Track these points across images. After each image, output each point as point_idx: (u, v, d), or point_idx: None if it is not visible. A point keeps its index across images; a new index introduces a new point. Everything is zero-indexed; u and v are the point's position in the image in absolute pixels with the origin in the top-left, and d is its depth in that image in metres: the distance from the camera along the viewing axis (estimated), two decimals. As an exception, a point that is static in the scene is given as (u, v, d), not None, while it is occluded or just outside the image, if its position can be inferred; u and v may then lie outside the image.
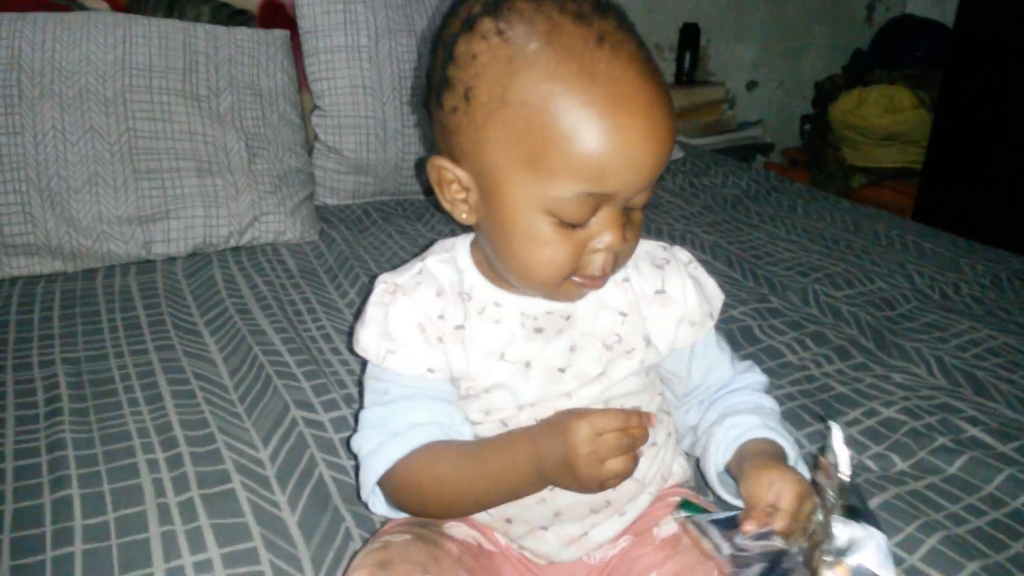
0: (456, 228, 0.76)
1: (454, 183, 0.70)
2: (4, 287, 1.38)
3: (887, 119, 2.74)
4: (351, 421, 1.03)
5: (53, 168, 1.42)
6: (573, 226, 0.66)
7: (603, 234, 0.66)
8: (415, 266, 0.78)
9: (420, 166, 1.77)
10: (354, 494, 0.91)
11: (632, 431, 0.66)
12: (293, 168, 1.64)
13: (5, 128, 1.40)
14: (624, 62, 0.62)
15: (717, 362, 0.85)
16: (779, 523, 0.67)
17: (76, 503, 0.86)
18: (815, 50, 3.16)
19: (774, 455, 0.76)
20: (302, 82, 1.75)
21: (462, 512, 0.76)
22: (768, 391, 0.87)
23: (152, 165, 1.49)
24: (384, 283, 0.77)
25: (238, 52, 1.62)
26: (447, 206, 0.72)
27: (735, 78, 2.99)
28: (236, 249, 1.55)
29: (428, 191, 1.80)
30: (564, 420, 0.67)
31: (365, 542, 0.80)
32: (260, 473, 0.93)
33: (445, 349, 0.75)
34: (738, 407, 0.82)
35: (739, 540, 0.68)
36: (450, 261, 0.78)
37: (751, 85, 3.07)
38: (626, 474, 0.67)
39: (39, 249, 1.42)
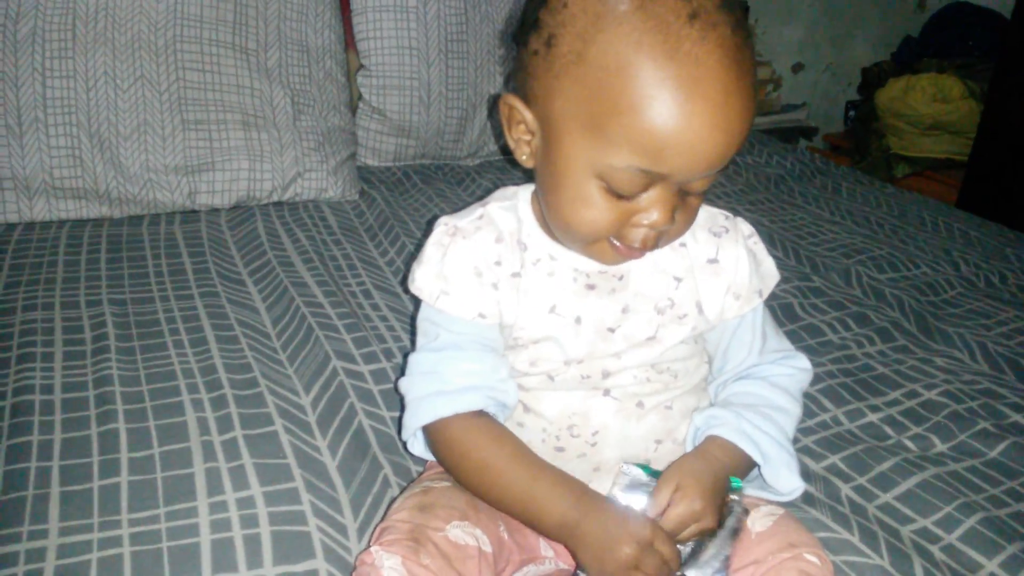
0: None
1: (521, 124, 0.70)
2: (52, 229, 1.40)
3: (934, 108, 2.69)
4: (391, 374, 1.04)
5: (104, 114, 1.44)
6: (622, 196, 0.65)
7: (651, 211, 0.65)
8: (476, 211, 0.78)
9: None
10: (393, 444, 0.92)
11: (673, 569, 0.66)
12: (337, 127, 1.65)
13: (59, 72, 1.42)
14: (711, 45, 0.59)
15: (748, 346, 0.81)
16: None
17: (123, 436, 0.88)
18: (863, 35, 3.10)
19: (709, 461, 0.73)
20: (349, 41, 1.75)
21: (480, 496, 0.75)
22: (803, 382, 0.83)
23: (200, 116, 1.50)
24: (444, 224, 0.78)
25: (287, 7, 1.62)
26: (511, 144, 0.72)
27: (781, 59, 2.95)
28: (279, 204, 1.56)
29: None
30: (631, 515, 0.69)
31: (404, 487, 0.81)
32: (302, 418, 0.94)
33: (499, 296, 0.75)
34: (733, 399, 0.80)
35: None
36: (511, 209, 0.78)
37: (797, 68, 3.02)
38: None
39: (87, 193, 1.44)
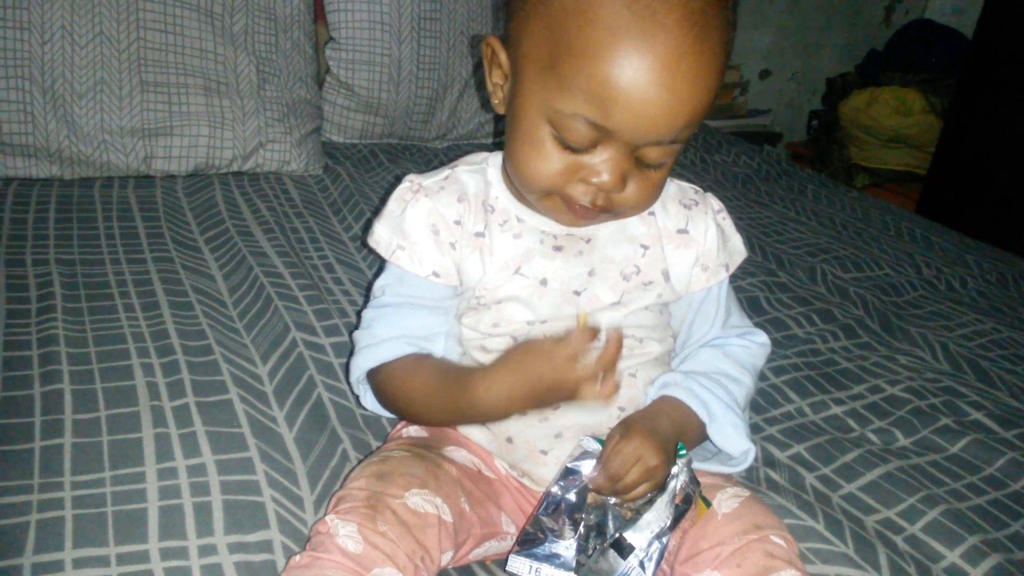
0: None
1: (499, 68, 0.70)
2: (-2, 186, 1.33)
3: (896, 121, 2.73)
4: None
5: (59, 70, 1.37)
6: (571, 147, 0.64)
7: (600, 170, 0.64)
8: (443, 172, 0.78)
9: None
10: (352, 418, 0.89)
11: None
12: (302, 99, 1.60)
13: (12, 23, 1.35)
14: (673, 2, 0.58)
15: (712, 319, 0.82)
16: (590, 473, 0.69)
17: (67, 397, 0.84)
18: (830, 46, 3.14)
19: (657, 415, 0.73)
20: (319, 12, 1.71)
21: (434, 423, 0.77)
22: (759, 356, 0.83)
23: (160, 78, 1.45)
24: (409, 181, 0.77)
25: (257, -27, 1.57)
26: (490, 90, 0.72)
27: (749, 65, 2.97)
28: (238, 174, 1.51)
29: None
30: (528, 342, 0.67)
31: (363, 457, 0.78)
32: (258, 388, 0.91)
33: (458, 256, 0.74)
34: (687, 366, 0.80)
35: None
36: (479, 172, 0.77)
37: (764, 74, 3.05)
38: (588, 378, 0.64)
39: (37, 152, 1.37)
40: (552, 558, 0.67)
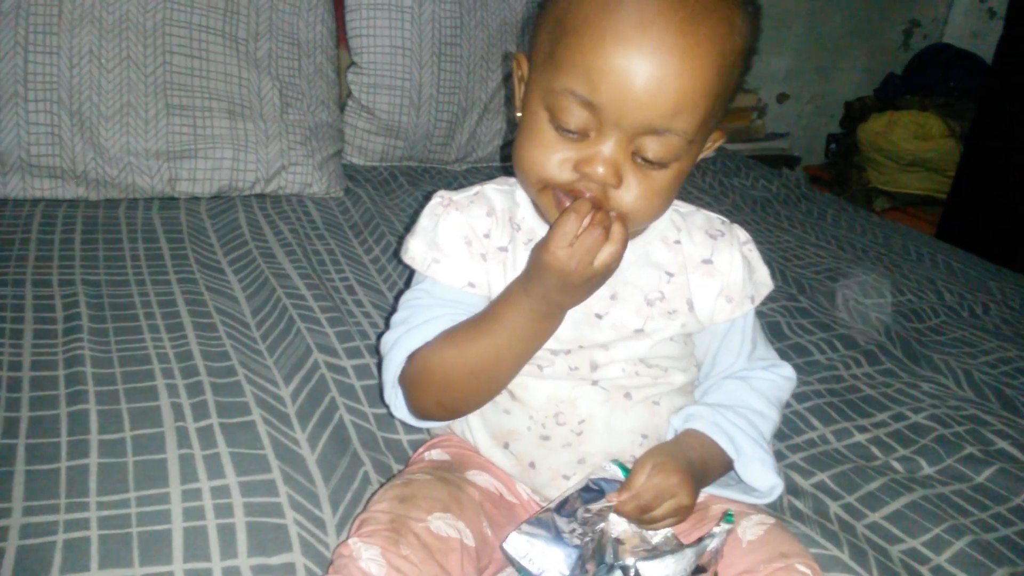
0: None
1: (524, 83, 0.71)
2: (26, 207, 1.35)
3: (915, 145, 2.72)
4: (373, 371, 1.01)
5: (86, 93, 1.40)
6: (566, 129, 0.64)
7: (594, 157, 0.64)
8: (473, 189, 0.79)
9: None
10: (374, 441, 0.89)
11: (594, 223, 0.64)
12: (324, 122, 1.62)
13: (43, 48, 1.37)
14: None
15: (737, 351, 0.81)
16: (618, 497, 0.68)
17: (93, 418, 0.84)
18: (848, 70, 3.14)
19: (687, 450, 0.72)
20: (341, 37, 1.73)
21: (490, 380, 0.73)
22: (784, 390, 0.83)
23: (185, 102, 1.47)
24: (440, 196, 0.78)
25: (281, -1, 1.60)
26: (516, 104, 0.73)
27: (767, 88, 2.97)
28: (261, 196, 1.52)
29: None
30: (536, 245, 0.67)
31: (386, 480, 0.78)
32: (281, 410, 0.91)
33: (487, 268, 0.75)
34: (712, 398, 0.80)
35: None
36: (508, 193, 0.79)
37: (782, 97, 3.05)
38: (618, 254, 0.65)
39: (64, 173, 1.39)
40: (549, 554, 0.66)
